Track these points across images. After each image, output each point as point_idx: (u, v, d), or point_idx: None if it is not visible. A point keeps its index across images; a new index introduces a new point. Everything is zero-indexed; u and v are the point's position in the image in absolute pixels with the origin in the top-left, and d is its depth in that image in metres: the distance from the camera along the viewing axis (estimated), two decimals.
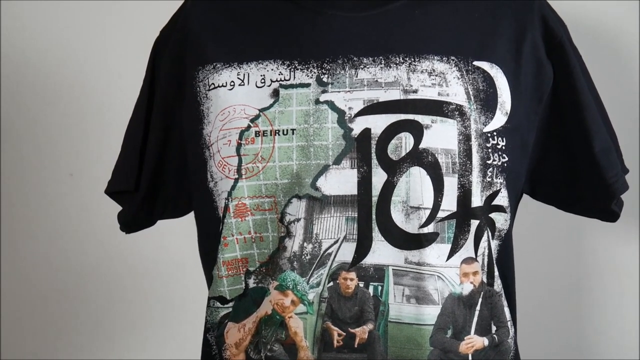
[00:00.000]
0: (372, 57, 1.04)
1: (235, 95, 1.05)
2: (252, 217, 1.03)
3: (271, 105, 1.03)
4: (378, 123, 1.01)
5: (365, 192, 1.00)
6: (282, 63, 1.05)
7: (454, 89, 1.02)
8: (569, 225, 1.53)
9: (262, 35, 1.09)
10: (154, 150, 1.16)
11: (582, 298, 1.77)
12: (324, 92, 1.03)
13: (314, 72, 1.04)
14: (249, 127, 1.03)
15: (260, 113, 1.03)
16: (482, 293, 1.04)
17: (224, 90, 1.06)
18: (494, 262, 1.07)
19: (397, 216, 1.00)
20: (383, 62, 1.03)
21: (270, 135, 1.02)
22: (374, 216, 1.00)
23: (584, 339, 1.78)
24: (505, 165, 1.05)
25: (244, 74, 1.06)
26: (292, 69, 1.04)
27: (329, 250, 1.01)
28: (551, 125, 1.12)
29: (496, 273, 1.07)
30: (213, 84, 1.07)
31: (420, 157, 1.00)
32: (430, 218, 1.00)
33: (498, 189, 1.05)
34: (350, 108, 1.02)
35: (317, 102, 1.02)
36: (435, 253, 1.00)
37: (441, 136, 1.01)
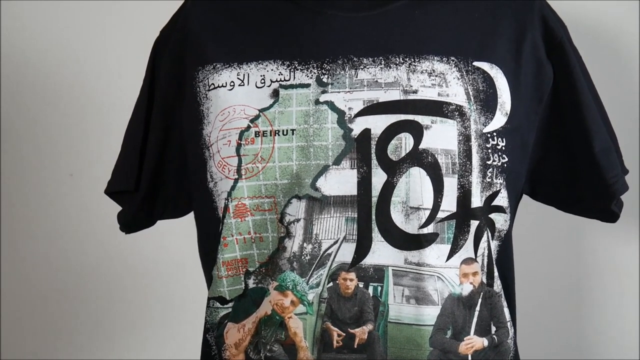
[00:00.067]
0: (372, 58, 1.04)
1: (235, 96, 1.05)
2: (252, 218, 1.03)
3: (271, 106, 1.03)
4: (378, 123, 1.01)
5: (365, 193, 1.00)
6: (282, 63, 1.05)
7: (454, 89, 1.02)
8: (569, 225, 1.53)
9: (262, 35, 1.09)
10: (154, 151, 1.16)
11: (582, 298, 1.77)
12: (323, 92, 1.03)
13: (314, 73, 1.04)
14: (248, 127, 1.03)
15: (260, 113, 1.03)
16: (481, 293, 1.04)
17: (224, 91, 1.06)
18: (494, 262, 1.07)
19: (397, 217, 1.00)
20: (383, 62, 1.03)
21: (270, 135, 1.02)
22: (373, 217, 1.00)
23: (584, 340, 1.78)
24: (505, 165, 1.05)
25: (244, 74, 1.06)
26: (292, 69, 1.04)
27: (329, 251, 1.00)
28: (551, 126, 1.12)
29: (496, 273, 1.07)
30: (213, 84, 1.07)
31: (420, 158, 1.00)
32: (430, 218, 1.00)
33: (498, 189, 1.05)
34: (350, 108, 1.02)
35: (317, 102, 1.02)
36: (435, 253, 1.00)
37: (441, 137, 1.01)
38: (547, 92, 1.10)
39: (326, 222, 1.01)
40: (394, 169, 1.00)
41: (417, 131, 1.01)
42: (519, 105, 1.06)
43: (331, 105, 1.02)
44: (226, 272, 1.05)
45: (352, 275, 1.00)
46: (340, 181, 1.01)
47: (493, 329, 1.05)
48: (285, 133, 1.02)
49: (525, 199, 1.17)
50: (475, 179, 1.02)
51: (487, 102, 1.04)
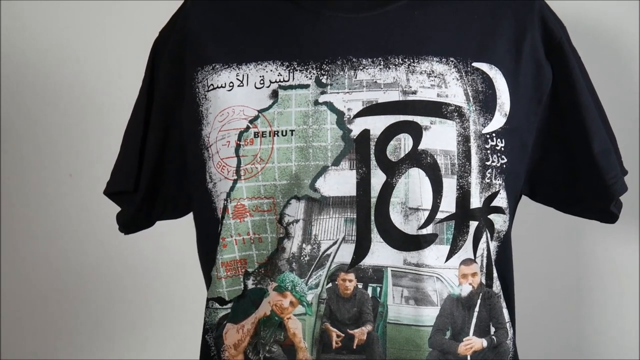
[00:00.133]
0: (371, 58, 1.04)
1: (234, 96, 1.05)
2: (251, 218, 1.03)
3: (270, 106, 1.03)
4: (377, 124, 1.01)
5: (364, 193, 1.00)
6: (281, 64, 1.05)
7: (453, 90, 1.02)
8: (568, 226, 1.53)
9: (262, 35, 1.09)
10: (153, 151, 1.16)
11: (581, 299, 1.77)
12: (323, 93, 1.02)
13: (313, 73, 1.03)
14: (247, 128, 1.03)
15: (259, 114, 1.03)
16: (480, 294, 1.04)
17: (223, 91, 1.06)
18: (493, 263, 1.07)
19: (396, 217, 1.00)
20: (382, 63, 1.03)
21: (269, 136, 1.02)
22: (372, 217, 1.00)
23: (583, 340, 1.78)
24: (504, 166, 1.04)
25: (243, 75, 1.06)
26: (291, 70, 1.04)
27: (328, 252, 1.00)
28: (550, 126, 1.12)
29: (495, 274, 1.06)
30: (212, 84, 1.07)
31: (419, 159, 1.00)
32: (429, 219, 1.00)
33: (497, 190, 1.05)
34: (349, 109, 1.02)
35: (316, 103, 1.02)
36: (434, 254, 1.00)
37: (440, 137, 1.01)
38: (547, 92, 1.10)
39: (325, 223, 1.01)
40: (393, 170, 1.00)
41: (416, 132, 1.01)
42: (518, 106, 1.06)
43: (330, 106, 1.02)
44: (225, 273, 1.05)
45: (351, 276, 1.00)
46: (340, 182, 1.00)
47: (492, 329, 1.05)
48: (284, 134, 1.02)
49: (525, 199, 1.17)
50: (474, 179, 1.02)
51: (486, 102, 1.03)
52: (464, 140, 1.02)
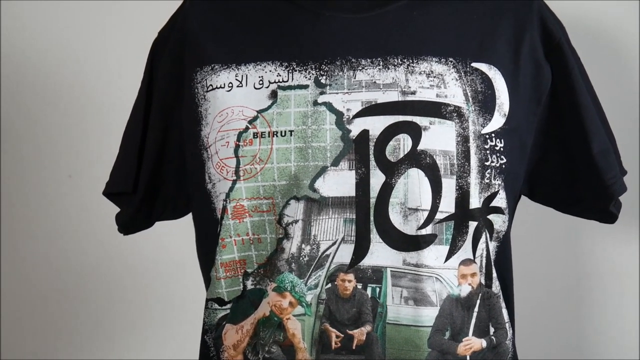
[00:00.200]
0: (370, 59, 1.04)
1: (234, 97, 1.05)
2: (250, 219, 1.03)
3: (269, 107, 1.03)
4: (376, 125, 1.01)
5: (363, 194, 1.00)
6: (280, 64, 1.05)
7: (452, 90, 1.02)
8: (567, 226, 1.53)
9: (262, 35, 1.09)
10: (153, 151, 1.16)
11: (581, 299, 1.77)
12: (322, 93, 1.02)
13: (312, 74, 1.03)
14: (247, 128, 1.03)
15: (259, 114, 1.03)
16: (480, 294, 1.04)
17: (222, 92, 1.06)
18: (492, 263, 1.07)
19: (395, 218, 1.00)
20: (381, 63, 1.03)
21: (269, 136, 1.02)
22: (372, 218, 1.00)
23: (582, 340, 1.78)
24: (504, 166, 1.04)
25: (242, 76, 1.06)
26: (290, 71, 1.04)
27: (327, 252, 1.00)
28: (550, 127, 1.12)
29: (494, 274, 1.06)
30: (211, 85, 1.07)
31: (418, 159, 1.00)
32: (429, 219, 1.00)
33: (496, 190, 1.05)
34: (348, 109, 1.02)
35: (315, 103, 1.02)
36: (434, 254, 1.00)
37: (439, 138, 1.01)
38: (546, 93, 1.10)
39: (324, 223, 1.01)
40: (392, 170, 1.00)
41: (415, 132, 1.01)
42: (517, 106, 1.06)
43: (329, 106, 1.02)
44: (224, 274, 1.05)
45: (351, 276, 1.00)
46: (339, 182, 1.00)
47: (491, 329, 1.05)
48: (283, 134, 1.02)
49: (524, 199, 1.17)
50: (473, 180, 1.02)
51: (485, 103, 1.03)
52: (463, 140, 1.02)
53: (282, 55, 1.06)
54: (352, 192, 1.00)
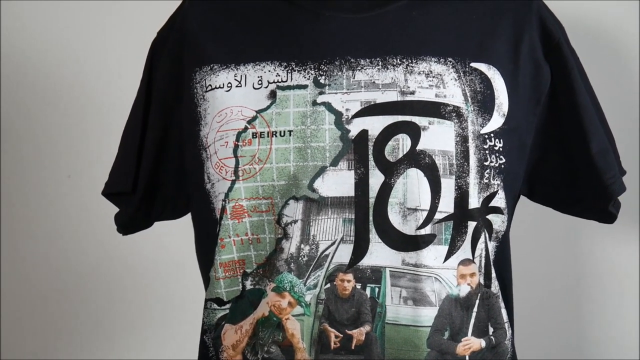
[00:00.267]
0: (369, 59, 1.04)
1: (232, 97, 1.05)
2: (249, 219, 1.03)
3: (268, 107, 1.03)
4: (375, 125, 1.01)
5: (362, 194, 1.00)
6: (279, 64, 1.05)
7: (451, 90, 1.02)
8: (567, 226, 1.53)
9: (262, 35, 1.09)
10: (152, 151, 1.16)
11: (580, 299, 1.77)
12: (321, 93, 1.02)
13: (311, 74, 1.03)
14: (246, 128, 1.03)
15: (257, 114, 1.03)
16: (479, 294, 1.04)
17: (221, 92, 1.06)
18: (491, 263, 1.07)
19: (394, 218, 1.00)
20: (380, 63, 1.03)
21: (267, 136, 1.02)
22: (371, 218, 1.00)
23: (582, 340, 1.78)
24: (503, 166, 1.04)
25: (241, 76, 1.06)
26: (289, 71, 1.04)
27: (326, 252, 1.00)
28: (549, 127, 1.12)
29: (493, 274, 1.06)
30: (210, 85, 1.07)
31: (417, 159, 1.00)
32: (428, 219, 1.00)
33: (495, 190, 1.05)
34: (347, 109, 1.02)
35: (314, 103, 1.02)
36: (433, 254, 1.00)
37: (438, 138, 1.01)
38: (545, 93, 1.10)
39: (323, 223, 1.01)
40: (391, 170, 1.00)
41: (414, 132, 1.01)
42: (516, 106, 1.06)
43: (328, 106, 1.02)
44: (223, 274, 1.05)
45: (350, 276, 1.00)
46: (338, 182, 1.00)
47: (491, 330, 1.05)
48: (282, 134, 1.02)
49: (523, 199, 1.17)
50: (472, 180, 1.02)
51: (484, 103, 1.03)
52: (462, 140, 1.02)
53: (281, 56, 1.06)
54: (351, 192, 1.00)
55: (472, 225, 1.02)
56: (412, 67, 1.03)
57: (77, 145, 1.86)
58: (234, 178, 1.03)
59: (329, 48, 1.05)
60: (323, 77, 1.03)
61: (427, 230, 1.00)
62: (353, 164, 1.00)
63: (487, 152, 1.03)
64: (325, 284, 1.01)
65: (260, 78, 1.05)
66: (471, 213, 1.02)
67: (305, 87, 1.03)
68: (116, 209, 1.22)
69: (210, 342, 1.08)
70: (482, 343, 1.03)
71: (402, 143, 1.01)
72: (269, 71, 1.05)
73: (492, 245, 1.08)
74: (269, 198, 1.02)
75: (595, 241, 1.73)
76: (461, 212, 1.02)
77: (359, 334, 1.00)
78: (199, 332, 1.10)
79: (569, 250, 1.75)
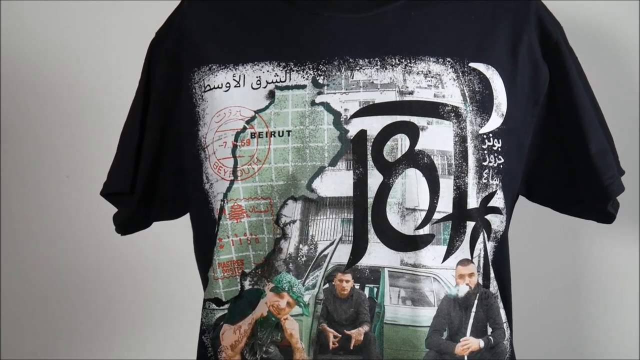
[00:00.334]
0: (368, 59, 1.04)
1: (231, 97, 1.05)
2: (248, 219, 1.03)
3: (267, 107, 1.03)
4: (374, 125, 1.01)
5: (361, 194, 1.00)
6: (277, 64, 1.05)
7: (450, 90, 1.02)
8: (565, 226, 1.53)
9: (262, 35, 1.09)
10: (150, 151, 1.16)
11: (579, 299, 1.77)
12: (319, 93, 1.02)
13: (310, 74, 1.03)
14: (244, 128, 1.03)
15: (256, 114, 1.03)
16: (478, 295, 1.04)
17: (220, 92, 1.06)
18: (490, 263, 1.07)
19: (393, 218, 1.00)
20: (379, 63, 1.03)
21: (266, 136, 1.02)
22: (369, 218, 1.00)
23: (581, 340, 1.78)
24: (501, 166, 1.04)
25: (240, 76, 1.06)
26: (287, 71, 1.04)
27: (325, 252, 1.00)
28: (547, 127, 1.12)
29: (492, 274, 1.06)
30: (208, 85, 1.07)
31: (416, 159, 1.00)
32: (426, 220, 1.00)
33: (494, 190, 1.05)
34: (346, 110, 1.02)
35: (313, 103, 1.02)
36: (431, 255, 1.00)
37: (437, 138, 1.01)
38: (543, 93, 1.10)
39: (322, 224, 1.01)
40: (390, 170, 1.00)
41: (413, 132, 1.01)
42: (515, 107, 1.06)
43: (327, 106, 1.02)
44: (222, 274, 1.05)
45: (348, 276, 1.00)
46: (336, 182, 1.00)
47: (489, 330, 1.05)
48: (281, 134, 1.02)
49: (522, 199, 1.17)
50: (471, 180, 1.02)
51: (483, 103, 1.03)
52: (461, 140, 1.01)
53: (280, 56, 1.06)
54: (349, 192, 1.00)
55: (470, 225, 1.02)
56: (411, 67, 1.03)
57: (77, 145, 1.86)
58: (232, 178, 1.03)
59: (328, 48, 1.05)
60: (322, 77, 1.03)
61: (425, 230, 1.00)
62: (352, 164, 1.00)
63: (485, 152, 1.03)
64: (324, 284, 1.01)
65: (258, 78, 1.05)
66: (470, 213, 1.02)
67: (303, 87, 1.03)
68: (115, 209, 1.22)
69: (208, 342, 1.08)
70: (481, 343, 1.03)
71: (400, 143, 1.01)
72: (268, 71, 1.05)
73: (490, 246, 1.08)
74: (268, 198, 1.02)
75: (594, 241, 1.73)
76: (460, 212, 1.01)
77: (357, 334, 1.00)
78: (199, 332, 1.10)
79: (567, 251, 1.75)
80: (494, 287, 1.07)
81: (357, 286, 1.00)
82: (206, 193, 1.07)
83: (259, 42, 1.08)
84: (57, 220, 1.88)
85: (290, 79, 1.04)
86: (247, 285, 1.04)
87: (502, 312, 1.08)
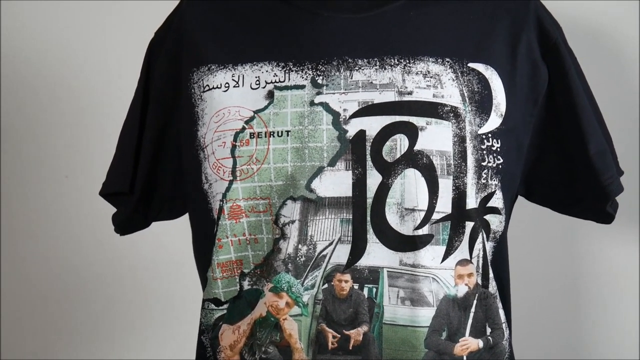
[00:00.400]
0: (367, 59, 1.04)
1: (230, 97, 1.05)
2: (247, 219, 1.03)
3: (266, 107, 1.03)
4: (373, 125, 1.01)
5: (360, 194, 1.00)
6: (277, 65, 1.05)
7: (449, 90, 1.02)
8: (564, 226, 1.52)
9: (262, 35, 1.09)
10: (149, 152, 1.16)
11: (578, 299, 1.77)
12: (318, 93, 1.02)
13: (309, 74, 1.03)
14: (243, 128, 1.03)
15: (255, 115, 1.03)
16: (476, 295, 1.04)
17: (219, 92, 1.06)
18: (489, 263, 1.06)
19: (392, 218, 1.00)
20: (378, 63, 1.03)
21: (265, 137, 1.02)
22: (368, 218, 1.00)
23: (580, 341, 1.77)
24: (500, 167, 1.04)
25: (239, 76, 1.06)
26: (286, 71, 1.04)
27: (324, 252, 1.00)
28: (547, 127, 1.12)
29: (491, 275, 1.06)
30: (207, 85, 1.07)
31: (415, 159, 1.00)
32: (425, 220, 1.00)
33: (493, 190, 1.05)
34: (345, 110, 1.02)
35: (312, 103, 1.02)
36: (430, 255, 1.00)
37: (436, 138, 1.01)
38: (542, 93, 1.10)
39: (321, 224, 1.01)
40: (389, 171, 1.00)
41: (412, 132, 1.00)
42: (514, 107, 1.06)
43: (326, 106, 1.02)
44: (221, 274, 1.05)
45: (347, 276, 1.00)
46: (335, 182, 1.00)
47: (488, 330, 1.05)
48: (280, 134, 1.02)
49: (521, 199, 1.17)
50: (470, 180, 1.02)
51: (482, 103, 1.03)
52: (460, 140, 1.01)
53: (279, 56, 1.06)
54: (348, 193, 1.00)
55: (469, 225, 1.02)
56: (410, 67, 1.03)
57: (77, 145, 1.86)
58: (231, 178, 1.03)
59: (327, 48, 1.05)
60: (321, 78, 1.03)
61: (424, 230, 1.00)
62: (351, 164, 1.00)
63: (484, 152, 1.03)
64: (323, 284, 1.01)
65: (257, 78, 1.05)
66: (469, 213, 1.02)
67: (302, 87, 1.03)
68: (114, 209, 1.22)
69: (207, 343, 1.08)
70: (480, 343, 1.03)
71: (399, 143, 1.00)
72: (267, 71, 1.05)
73: (489, 246, 1.07)
74: (267, 198, 1.02)
75: (593, 241, 1.73)
76: (459, 213, 1.01)
77: (356, 334, 1.00)
78: (198, 332, 1.10)
79: (566, 251, 1.75)
80: (493, 287, 1.07)
81: (356, 286, 1.00)
82: (205, 193, 1.07)
83: (258, 42, 1.08)
84: (57, 220, 1.88)
85: (289, 79, 1.04)
86: (246, 285, 1.04)
87: (501, 312, 1.08)
